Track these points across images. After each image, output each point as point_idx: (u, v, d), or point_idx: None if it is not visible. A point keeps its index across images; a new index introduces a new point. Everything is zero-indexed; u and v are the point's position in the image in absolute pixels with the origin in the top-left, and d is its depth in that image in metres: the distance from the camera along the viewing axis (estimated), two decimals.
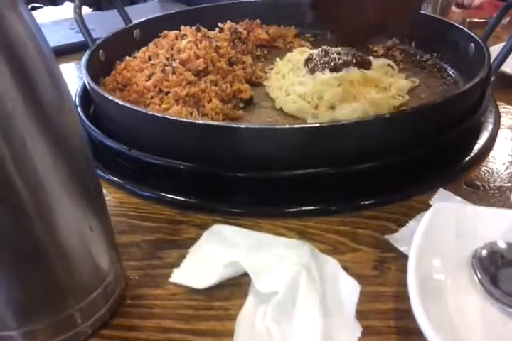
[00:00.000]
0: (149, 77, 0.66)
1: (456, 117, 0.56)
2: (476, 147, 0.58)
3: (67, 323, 0.35)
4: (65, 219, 0.32)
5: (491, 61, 0.60)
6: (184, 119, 0.50)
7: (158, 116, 0.50)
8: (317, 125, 0.48)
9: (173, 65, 0.66)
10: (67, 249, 0.33)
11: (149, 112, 0.51)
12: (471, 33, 0.70)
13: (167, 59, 0.69)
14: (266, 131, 0.48)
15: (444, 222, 0.41)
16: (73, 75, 0.86)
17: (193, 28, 0.79)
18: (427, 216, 0.41)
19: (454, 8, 1.28)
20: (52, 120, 0.30)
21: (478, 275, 0.39)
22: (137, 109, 0.51)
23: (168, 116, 0.50)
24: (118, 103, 0.53)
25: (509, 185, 0.53)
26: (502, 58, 0.59)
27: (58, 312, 0.34)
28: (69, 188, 0.32)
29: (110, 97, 0.55)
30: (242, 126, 0.48)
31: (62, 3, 1.29)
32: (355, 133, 0.49)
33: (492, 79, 0.62)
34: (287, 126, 0.48)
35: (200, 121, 0.51)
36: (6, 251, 0.30)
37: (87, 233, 0.34)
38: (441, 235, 0.41)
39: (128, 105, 0.52)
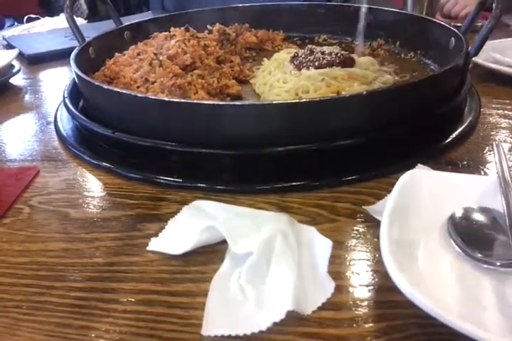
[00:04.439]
0: (137, 70, 0.67)
1: (437, 99, 0.57)
2: (458, 130, 0.59)
3: None
4: None
5: (469, 49, 0.62)
6: (165, 99, 0.51)
7: (139, 97, 0.51)
8: (296, 101, 0.49)
9: (160, 58, 0.68)
10: None
11: (132, 93, 0.52)
12: (451, 27, 0.72)
13: (155, 54, 0.71)
14: (247, 108, 0.50)
15: (418, 187, 0.42)
16: (66, 77, 0.88)
17: (182, 28, 0.81)
18: (400, 181, 0.42)
19: (440, 18, 1.32)
20: None
21: (453, 236, 0.39)
22: (120, 90, 0.52)
23: (149, 96, 0.51)
24: (102, 87, 0.54)
25: (489, 164, 0.53)
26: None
27: None
28: None
29: (96, 83, 0.56)
30: (222, 103, 0.49)
31: (58, 15, 1.33)
32: (334, 109, 0.50)
33: (470, 66, 0.63)
34: (267, 102, 0.49)
35: (182, 100, 0.52)
36: None
37: None
38: (415, 199, 0.41)
39: (111, 88, 0.53)
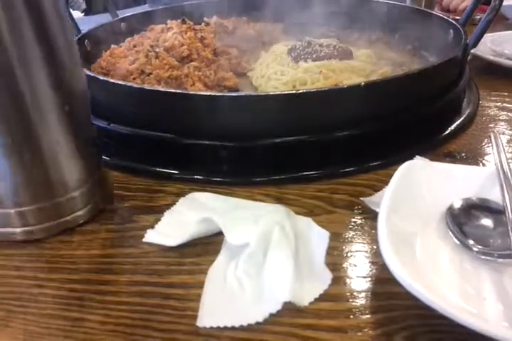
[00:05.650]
0: (133, 62, 0.66)
1: (435, 91, 0.57)
2: (456, 122, 0.58)
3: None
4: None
5: (467, 41, 0.62)
6: (161, 89, 0.50)
7: (135, 87, 0.50)
8: (293, 92, 0.48)
9: (157, 50, 0.67)
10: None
11: (127, 84, 0.51)
12: (449, 19, 0.72)
13: (151, 46, 0.70)
14: (244, 99, 0.49)
15: (416, 178, 0.41)
16: None
17: (179, 20, 0.80)
18: (398, 172, 0.41)
19: (439, 12, 1.31)
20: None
21: (451, 227, 0.39)
22: (115, 81, 0.52)
23: (145, 87, 0.50)
24: (97, 78, 0.53)
25: (487, 156, 0.53)
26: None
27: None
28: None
29: (92, 74, 0.55)
30: (218, 94, 0.49)
31: None
32: (332, 101, 0.49)
33: (469, 58, 0.63)
34: (264, 93, 0.49)
35: (178, 91, 0.52)
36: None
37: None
38: (413, 191, 0.40)
39: (107, 79, 0.53)
